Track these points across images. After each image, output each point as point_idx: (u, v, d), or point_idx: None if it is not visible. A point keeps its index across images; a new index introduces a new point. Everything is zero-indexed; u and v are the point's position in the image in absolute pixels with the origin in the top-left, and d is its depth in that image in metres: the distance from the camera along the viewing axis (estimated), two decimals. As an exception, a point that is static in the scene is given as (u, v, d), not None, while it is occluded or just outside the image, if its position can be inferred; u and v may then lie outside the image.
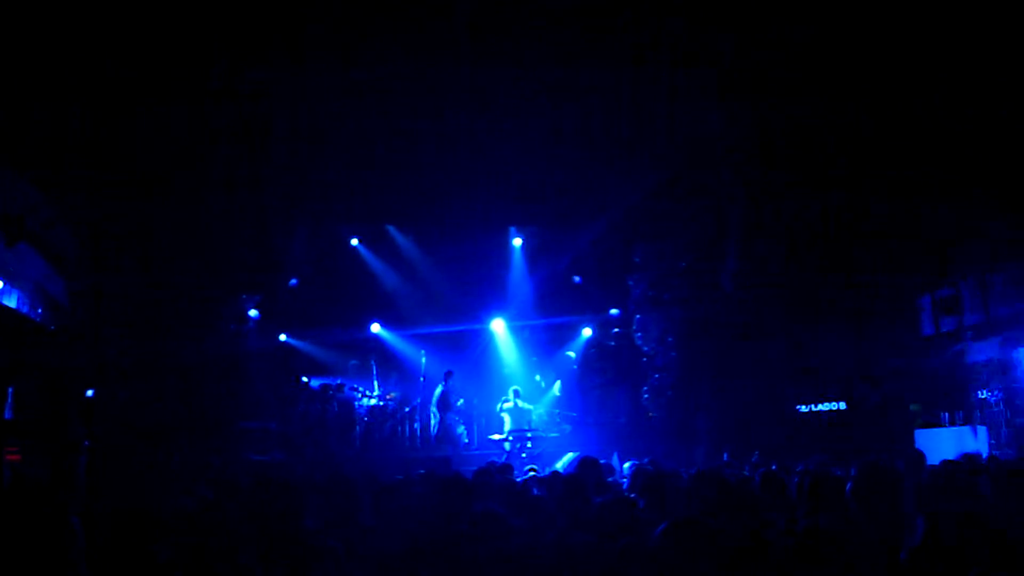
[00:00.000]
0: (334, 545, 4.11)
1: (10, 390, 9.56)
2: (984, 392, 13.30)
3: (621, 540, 3.86)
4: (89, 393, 12.56)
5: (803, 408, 15.20)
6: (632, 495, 5.70)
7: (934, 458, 8.27)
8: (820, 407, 15.10)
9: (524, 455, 13.72)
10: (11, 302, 9.54)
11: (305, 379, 16.27)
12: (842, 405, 15.01)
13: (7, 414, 9.42)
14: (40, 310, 10.60)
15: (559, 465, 12.40)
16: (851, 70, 11.34)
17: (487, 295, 17.55)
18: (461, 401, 15.89)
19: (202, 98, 11.13)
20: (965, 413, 13.29)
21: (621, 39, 10.94)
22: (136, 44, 9.95)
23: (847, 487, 4.72)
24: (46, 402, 10.21)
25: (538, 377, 16.85)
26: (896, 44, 10.71)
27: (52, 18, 9.06)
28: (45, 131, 10.02)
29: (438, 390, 15.14)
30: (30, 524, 3.43)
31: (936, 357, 14.24)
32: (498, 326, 17.67)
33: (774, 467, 7.83)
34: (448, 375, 15.31)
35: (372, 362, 16.37)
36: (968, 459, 7.41)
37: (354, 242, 17.37)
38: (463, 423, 15.88)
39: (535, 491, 6.31)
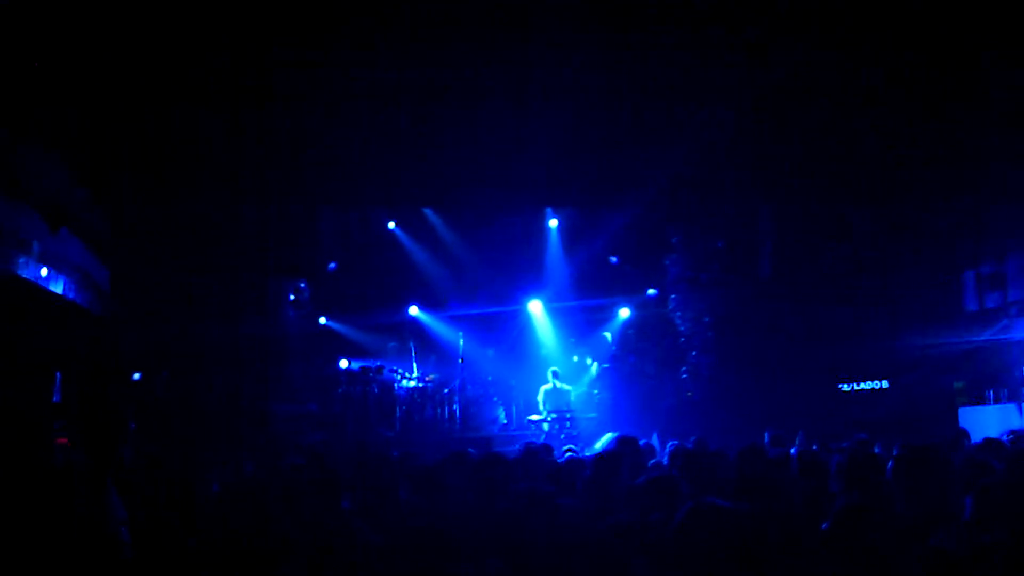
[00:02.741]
0: (367, 532, 4.13)
1: (58, 375, 9.73)
2: (1030, 369, 13.05)
3: (652, 517, 3.83)
4: (135, 376, 12.78)
5: (845, 387, 15.01)
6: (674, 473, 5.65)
7: (978, 436, 8.14)
8: (862, 386, 14.91)
9: (563, 436, 13.71)
10: (57, 288, 9.68)
11: (346, 363, 16.38)
12: (884, 384, 14.80)
13: (55, 398, 9.59)
14: (86, 296, 10.75)
15: (598, 445, 12.37)
16: (882, 49, 11.12)
17: (524, 277, 17.52)
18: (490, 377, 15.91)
19: (240, 84, 11.18)
20: (1010, 391, 13.04)
21: (658, 15, 10.80)
22: (175, 32, 10.02)
23: (888, 467, 4.65)
24: (92, 387, 10.38)
25: (576, 358, 16.83)
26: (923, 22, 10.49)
27: (97, 8, 9.16)
28: (86, 117, 10.14)
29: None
30: (77, 500, 3.51)
31: (980, 334, 13.98)
32: (535, 307, 17.65)
33: (815, 447, 7.75)
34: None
35: (411, 344, 16.42)
36: (1016, 435, 7.29)
37: (391, 225, 17.42)
38: (502, 404, 15.90)
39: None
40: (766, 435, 11.33)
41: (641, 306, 17.52)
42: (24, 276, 8.68)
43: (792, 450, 8.61)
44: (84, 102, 9.95)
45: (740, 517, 2.98)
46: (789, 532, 3.72)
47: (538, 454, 6.96)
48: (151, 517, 3.93)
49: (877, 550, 3.24)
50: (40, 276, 9.15)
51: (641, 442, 7.69)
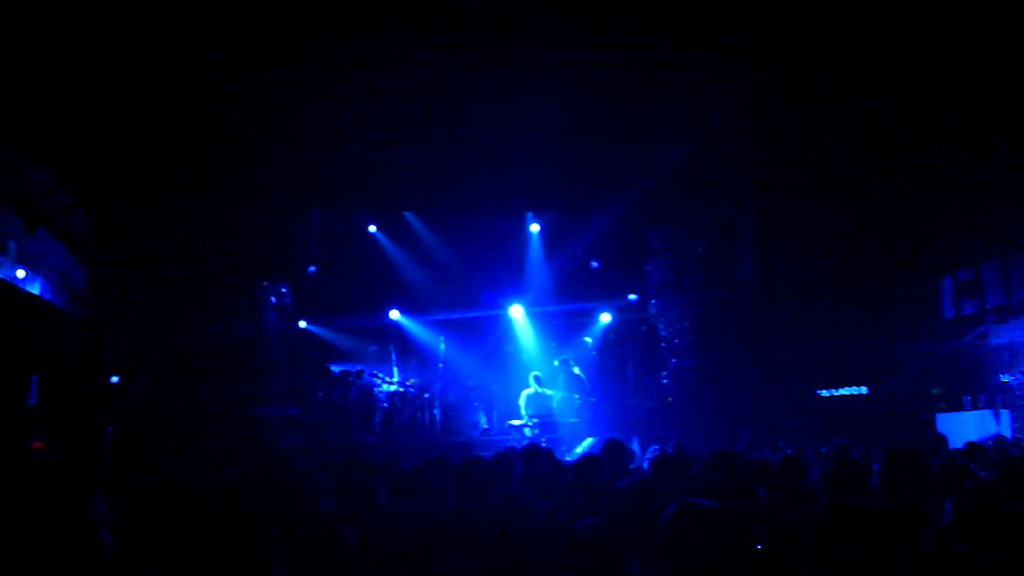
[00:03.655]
0: (346, 530, 4.10)
1: (34, 378, 9.61)
2: (1007, 375, 13.14)
3: (633, 521, 3.82)
4: (114, 380, 12.65)
5: (824, 393, 15.08)
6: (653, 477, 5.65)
7: (956, 442, 8.20)
8: (841, 391, 14.98)
9: (544, 440, 13.70)
10: (34, 289, 9.58)
11: (327, 367, 16.30)
12: (863, 390, 14.88)
13: (31, 401, 9.48)
14: (63, 298, 10.64)
15: (579, 450, 12.39)
16: (867, 53, 11.19)
17: (505, 281, 17.50)
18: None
19: (220, 83, 11.12)
20: (988, 397, 13.15)
21: (639, 21, 10.83)
22: (154, 31, 9.95)
23: (874, 470, 4.68)
24: (70, 390, 10.27)
25: (556, 362, 16.83)
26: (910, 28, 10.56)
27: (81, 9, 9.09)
28: (64, 116, 10.05)
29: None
30: (54, 504, 3.48)
31: (958, 340, 14.09)
32: (517, 312, 17.64)
33: (790, 451, 7.79)
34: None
35: (391, 348, 16.36)
36: (997, 441, 7.37)
37: (372, 229, 17.37)
38: (483, 409, 15.86)
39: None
40: (743, 437, 11.41)
41: (622, 311, 17.55)
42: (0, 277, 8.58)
43: (767, 452, 8.66)
44: (64, 102, 9.86)
45: (724, 516, 2.98)
46: (770, 532, 3.72)
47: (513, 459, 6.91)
48: (132, 519, 3.89)
49: (860, 551, 3.25)
50: (16, 277, 9.05)
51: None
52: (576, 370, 15.13)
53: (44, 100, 9.33)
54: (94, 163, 11.05)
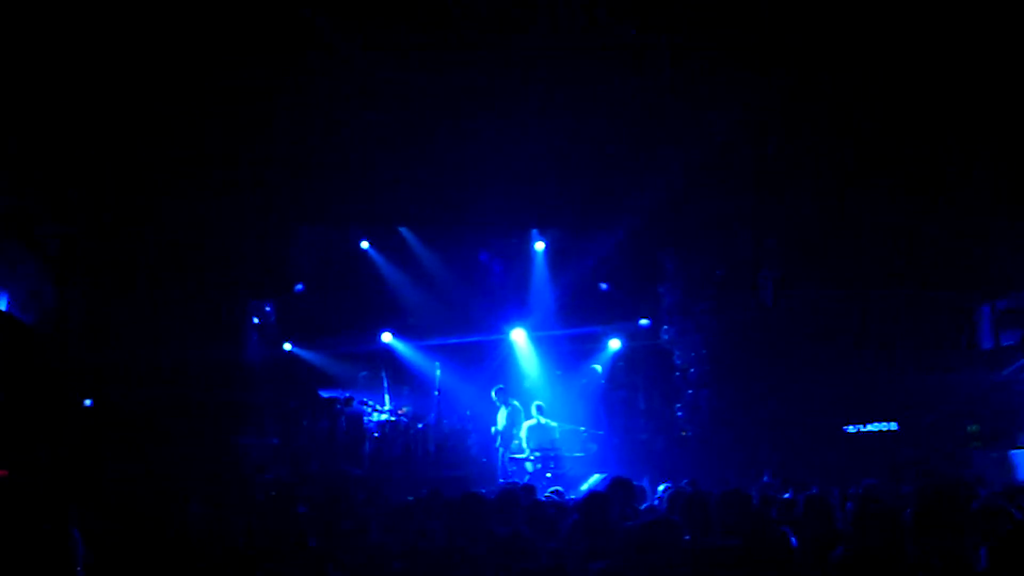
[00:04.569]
0: (331, 570, 4.11)
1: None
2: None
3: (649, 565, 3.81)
4: (87, 403, 12.64)
5: (851, 428, 15.03)
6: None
7: (995, 483, 8.18)
8: (869, 427, 14.93)
9: (548, 475, 13.67)
10: (0, 304, 9.61)
11: (319, 394, 16.27)
12: (893, 425, 14.83)
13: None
14: (32, 314, 10.67)
15: (585, 487, 12.35)
16: (900, 63, 11.24)
17: (507, 303, 17.51)
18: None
19: (204, 90, 11.18)
20: (1027, 434, 13.10)
21: (649, 35, 10.91)
22: (131, 35, 10.03)
23: (905, 514, 4.66)
24: (39, 411, 10.28)
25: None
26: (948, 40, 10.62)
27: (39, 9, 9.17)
28: (36, 125, 10.11)
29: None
30: (27, 537, 3.50)
31: (996, 373, 14.05)
32: (519, 336, 17.62)
33: (815, 491, 7.77)
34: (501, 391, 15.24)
35: (383, 374, 16.34)
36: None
37: (364, 245, 17.38)
38: (481, 442, 15.81)
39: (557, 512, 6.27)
40: (764, 476, 11.37)
41: (633, 336, 17.52)
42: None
43: (788, 492, 8.64)
44: (32, 111, 9.93)
45: (749, 560, 2.98)
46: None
47: (520, 495, 6.93)
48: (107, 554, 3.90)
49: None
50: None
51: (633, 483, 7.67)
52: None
53: (13, 107, 9.39)
54: (67, 175, 11.10)
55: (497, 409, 15.07)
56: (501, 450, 14.73)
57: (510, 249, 17.56)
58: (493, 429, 15.01)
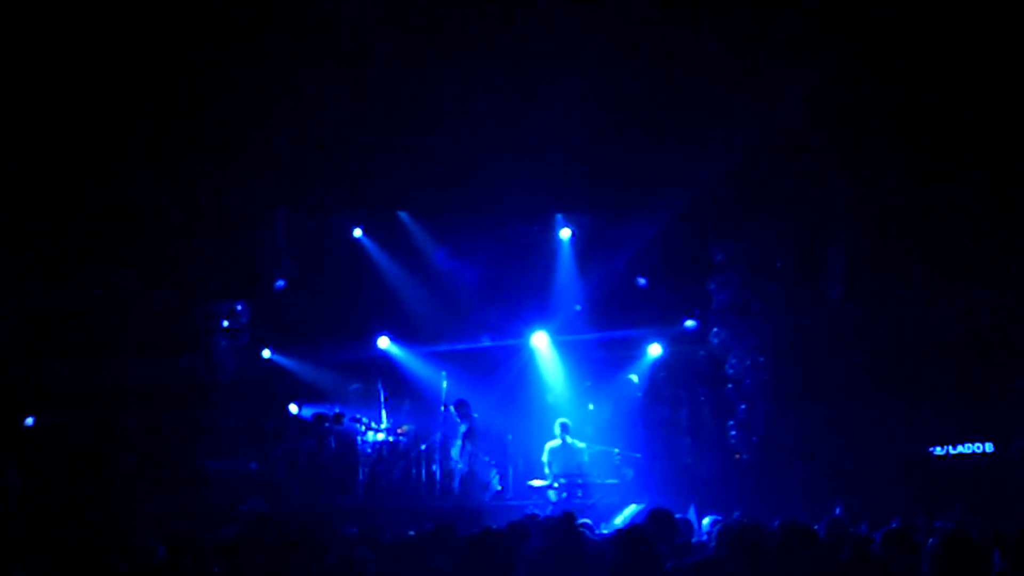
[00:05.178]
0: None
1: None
2: None
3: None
4: (28, 422, 12.72)
5: (938, 450, 14.98)
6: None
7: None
8: (960, 448, 14.86)
9: (574, 505, 13.66)
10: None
11: (295, 408, 16.32)
12: (988, 447, 14.76)
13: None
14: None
15: (619, 520, 12.34)
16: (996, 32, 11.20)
17: (526, 302, 17.53)
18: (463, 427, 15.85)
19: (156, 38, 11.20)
20: None
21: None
22: (99, 24, 10.14)
23: (995, 554, 4.64)
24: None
25: (591, 406, 16.77)
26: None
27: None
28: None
29: (462, 429, 15.15)
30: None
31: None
32: (540, 341, 17.64)
33: (895, 524, 7.75)
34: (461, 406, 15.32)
35: (379, 386, 16.38)
36: None
37: (357, 233, 17.42)
38: (495, 465, 15.84)
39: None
40: (837, 508, 11.33)
41: (677, 341, 17.51)
42: None
43: (863, 527, 8.62)
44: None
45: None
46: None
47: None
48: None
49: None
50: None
51: (676, 516, 7.67)
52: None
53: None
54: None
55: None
56: (435, 467, 15.11)
57: (530, 238, 17.55)
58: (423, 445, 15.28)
